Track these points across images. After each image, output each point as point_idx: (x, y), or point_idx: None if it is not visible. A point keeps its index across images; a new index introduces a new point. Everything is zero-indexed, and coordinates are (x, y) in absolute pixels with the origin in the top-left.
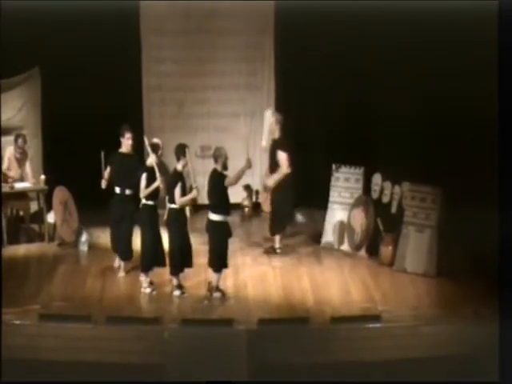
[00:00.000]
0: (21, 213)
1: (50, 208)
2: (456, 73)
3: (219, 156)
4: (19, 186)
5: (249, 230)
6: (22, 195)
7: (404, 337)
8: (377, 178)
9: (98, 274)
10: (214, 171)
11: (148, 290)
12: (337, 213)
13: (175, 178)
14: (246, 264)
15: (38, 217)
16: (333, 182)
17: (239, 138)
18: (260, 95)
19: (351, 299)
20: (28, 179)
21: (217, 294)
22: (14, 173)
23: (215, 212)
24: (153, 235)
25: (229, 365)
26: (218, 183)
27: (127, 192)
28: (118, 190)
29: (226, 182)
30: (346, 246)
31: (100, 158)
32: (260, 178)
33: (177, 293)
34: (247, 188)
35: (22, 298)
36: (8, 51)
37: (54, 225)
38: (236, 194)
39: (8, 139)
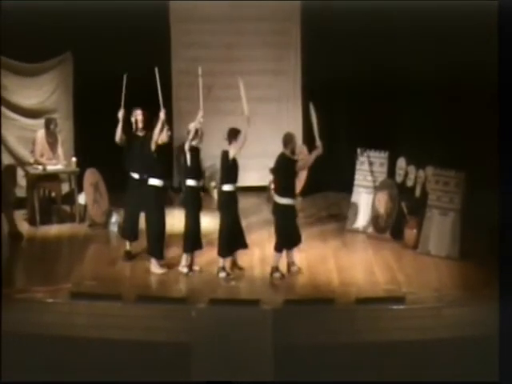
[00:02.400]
0: (53, 194)
1: (80, 189)
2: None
3: (289, 141)
4: (51, 167)
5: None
6: (54, 177)
7: (427, 318)
8: (401, 162)
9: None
10: (283, 155)
11: (185, 270)
12: (362, 196)
13: (229, 161)
14: (272, 246)
15: (70, 198)
16: (358, 166)
17: (266, 122)
18: (286, 80)
19: (375, 281)
20: (60, 161)
21: (276, 275)
22: (46, 155)
23: (282, 195)
24: (196, 216)
25: (254, 345)
26: (286, 167)
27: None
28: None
29: (297, 167)
30: (370, 229)
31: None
32: None
33: (222, 275)
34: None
35: (54, 277)
36: (41, 36)
37: (85, 206)
38: (262, 177)
39: (40, 122)
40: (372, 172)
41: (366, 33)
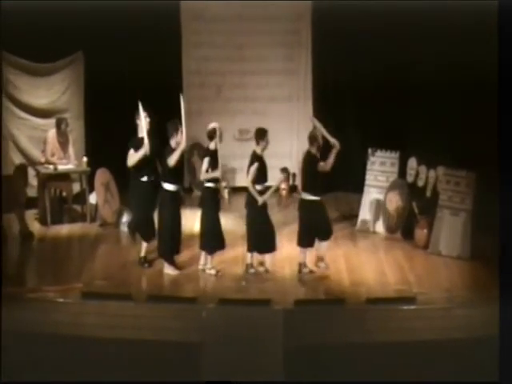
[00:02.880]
0: (64, 194)
1: (91, 189)
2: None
3: (314, 139)
4: (62, 167)
5: (286, 212)
6: (65, 176)
7: (437, 318)
8: (412, 162)
9: (138, 254)
10: (309, 153)
11: (213, 272)
12: (373, 196)
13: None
14: (283, 246)
15: (81, 198)
16: (369, 166)
17: (277, 122)
18: (297, 80)
19: (386, 281)
20: (71, 161)
21: (305, 270)
22: (57, 155)
23: (309, 192)
24: (216, 217)
25: (265, 345)
26: (312, 165)
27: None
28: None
29: (320, 167)
30: (381, 229)
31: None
32: (297, 161)
33: (251, 271)
34: (284, 171)
35: (65, 277)
36: (52, 35)
37: (96, 205)
38: (272, 177)
39: (51, 122)
40: (383, 172)
41: (376, 32)
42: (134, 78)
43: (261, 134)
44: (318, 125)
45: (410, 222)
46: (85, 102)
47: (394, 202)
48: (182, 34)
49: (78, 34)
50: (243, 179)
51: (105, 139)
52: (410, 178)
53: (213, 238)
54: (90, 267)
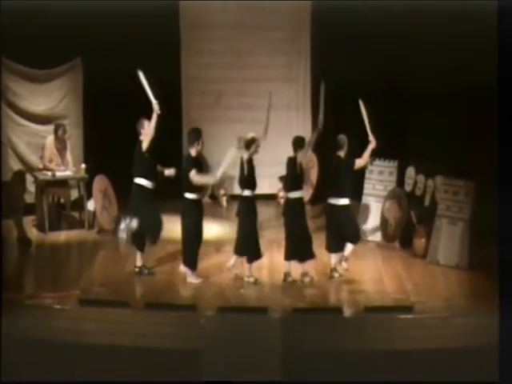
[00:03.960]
0: (62, 200)
1: (90, 196)
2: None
3: (343, 144)
4: (60, 174)
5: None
6: (63, 183)
7: (436, 328)
8: (410, 171)
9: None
10: (339, 158)
11: (252, 279)
12: (371, 205)
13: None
14: (281, 254)
15: (79, 204)
16: (367, 175)
17: (275, 130)
18: (296, 88)
19: (384, 290)
20: (69, 168)
21: (342, 267)
22: (55, 161)
23: (339, 196)
24: (254, 227)
25: (263, 352)
26: (344, 169)
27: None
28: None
29: (356, 164)
30: (379, 238)
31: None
32: None
33: (290, 279)
34: (283, 179)
35: (63, 284)
36: (51, 42)
37: (94, 212)
38: (271, 186)
39: (50, 128)
40: (381, 181)
41: (376, 40)
42: (132, 86)
43: (299, 142)
44: (364, 113)
45: (408, 231)
46: (83, 108)
47: (392, 210)
48: (182, 41)
49: (77, 40)
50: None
51: (103, 146)
52: (408, 187)
53: (250, 248)
54: (87, 274)
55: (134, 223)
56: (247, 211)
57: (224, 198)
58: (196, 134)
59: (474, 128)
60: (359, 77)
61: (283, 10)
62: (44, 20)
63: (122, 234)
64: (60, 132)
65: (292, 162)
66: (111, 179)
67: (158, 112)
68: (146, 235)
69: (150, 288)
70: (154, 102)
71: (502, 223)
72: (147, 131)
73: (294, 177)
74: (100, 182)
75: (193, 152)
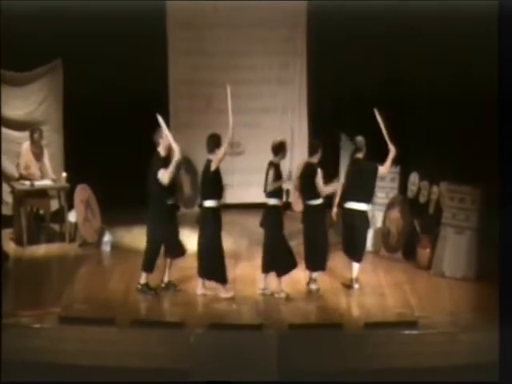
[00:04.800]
0: (41, 211)
1: (71, 207)
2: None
3: (362, 146)
4: (39, 183)
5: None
6: (43, 193)
7: (441, 344)
8: (414, 177)
9: (121, 276)
10: (359, 161)
11: (283, 295)
12: (371, 213)
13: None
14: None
15: (59, 216)
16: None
17: (270, 135)
18: (292, 90)
19: (386, 304)
20: (47, 175)
21: (356, 286)
22: (33, 169)
23: (359, 201)
24: (281, 236)
25: (258, 372)
26: (367, 173)
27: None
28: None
29: (380, 173)
30: (380, 248)
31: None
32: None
33: (313, 287)
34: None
35: (43, 301)
36: (29, 42)
37: (76, 224)
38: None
39: (27, 135)
40: (382, 188)
41: (375, 41)
42: (117, 89)
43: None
44: (381, 122)
45: (411, 240)
46: (64, 113)
47: (394, 219)
48: (169, 42)
49: (57, 41)
50: (235, 196)
51: (85, 153)
52: (411, 194)
53: (284, 258)
54: (69, 290)
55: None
56: (274, 222)
57: None
58: (215, 141)
59: (481, 131)
60: (359, 78)
61: (277, 8)
62: (22, 19)
63: (106, 247)
64: (36, 136)
65: (311, 168)
66: (94, 189)
67: (178, 158)
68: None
69: (136, 304)
70: (176, 149)
71: (505, 232)
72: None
73: (311, 184)
74: (82, 192)
75: (213, 158)
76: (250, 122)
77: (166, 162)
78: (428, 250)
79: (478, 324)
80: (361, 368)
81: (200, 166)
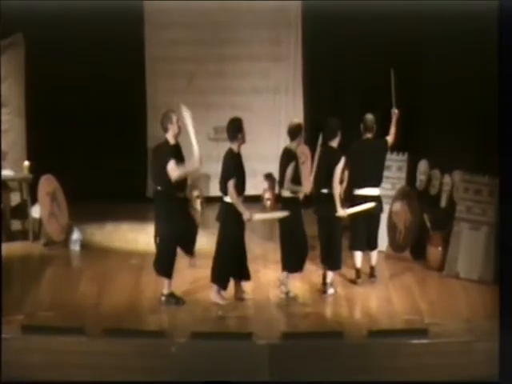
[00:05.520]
0: (0, 206)
1: (34, 200)
2: None
3: (372, 125)
4: None
5: (271, 226)
6: (2, 185)
7: (455, 354)
8: (423, 166)
9: (92, 278)
10: (368, 141)
11: (292, 294)
12: None
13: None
14: (268, 267)
15: (21, 211)
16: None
17: (260, 118)
18: (285, 67)
19: (392, 310)
20: (7, 165)
21: (360, 280)
22: None
23: (372, 185)
24: (302, 231)
25: None
26: (377, 153)
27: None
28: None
29: (389, 143)
30: (386, 247)
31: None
32: None
33: (331, 291)
34: (269, 177)
35: (3, 307)
36: None
37: (40, 220)
38: (255, 185)
39: None
40: (388, 178)
41: (376, 11)
42: (87, 67)
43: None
44: (393, 83)
45: (420, 238)
46: (26, 96)
47: (401, 214)
48: (145, 13)
49: (17, 14)
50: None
51: (51, 141)
52: (420, 185)
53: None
54: (32, 295)
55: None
56: (294, 216)
57: (198, 201)
58: (237, 126)
59: (498, 113)
60: (359, 54)
61: None
62: None
63: (75, 246)
64: None
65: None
66: (61, 180)
67: (196, 167)
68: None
69: (109, 311)
70: (196, 153)
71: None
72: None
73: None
74: (47, 184)
75: (235, 148)
76: (237, 103)
77: (176, 151)
78: (440, 249)
79: (496, 332)
80: (363, 382)
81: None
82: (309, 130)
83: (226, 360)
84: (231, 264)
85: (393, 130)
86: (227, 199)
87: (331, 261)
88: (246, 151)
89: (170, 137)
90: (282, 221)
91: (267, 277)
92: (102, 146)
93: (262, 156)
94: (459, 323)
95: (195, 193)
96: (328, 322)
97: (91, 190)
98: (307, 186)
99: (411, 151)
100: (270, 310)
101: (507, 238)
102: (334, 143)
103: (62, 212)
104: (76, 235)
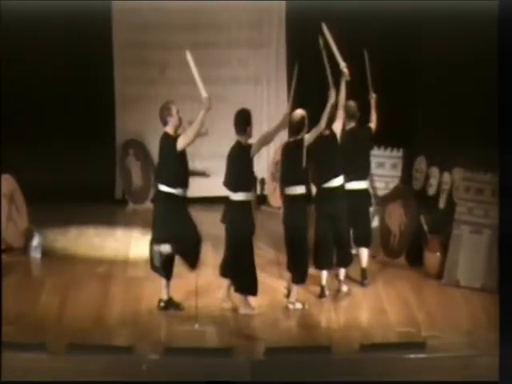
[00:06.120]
0: None
1: None
2: None
3: (355, 112)
4: None
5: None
6: None
7: (456, 370)
8: (420, 163)
9: (55, 289)
10: (352, 131)
11: (299, 305)
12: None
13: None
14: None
15: None
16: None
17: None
18: (267, 55)
19: (387, 321)
20: None
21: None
22: None
23: (358, 178)
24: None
25: None
26: (359, 142)
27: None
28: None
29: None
30: (379, 253)
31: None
32: (267, 163)
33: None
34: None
35: None
36: None
37: None
38: None
39: None
40: (381, 176)
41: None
42: (47, 55)
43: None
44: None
45: (417, 242)
46: None
47: (395, 216)
48: None
49: None
50: (195, 188)
51: (8, 137)
52: (417, 184)
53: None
54: None
55: (166, 247)
56: (300, 216)
57: None
58: (245, 118)
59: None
60: (352, 37)
61: None
62: None
63: (35, 253)
64: None
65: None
66: (20, 180)
67: (207, 108)
68: (182, 257)
69: (74, 324)
70: (205, 95)
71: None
72: (193, 128)
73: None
74: (4, 184)
75: (243, 142)
76: (214, 95)
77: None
78: (438, 254)
79: (499, 345)
80: None
81: (152, 148)
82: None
83: (203, 379)
84: (244, 266)
85: (374, 115)
86: (235, 197)
87: (295, 274)
88: (222, 148)
89: (171, 130)
90: (287, 226)
91: None
92: (66, 141)
93: None
94: (460, 336)
95: None
96: (315, 336)
97: (53, 190)
98: None
99: (407, 147)
100: (252, 322)
101: (507, 240)
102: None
103: (21, 215)
104: (37, 241)
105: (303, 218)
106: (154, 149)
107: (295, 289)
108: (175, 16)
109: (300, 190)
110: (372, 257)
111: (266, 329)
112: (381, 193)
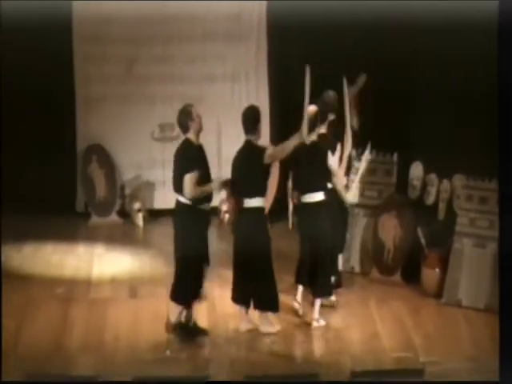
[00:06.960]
0: None
1: None
2: None
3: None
4: None
5: (230, 244)
6: None
7: None
8: (417, 169)
9: (9, 312)
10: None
11: (323, 323)
12: (359, 220)
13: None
14: (225, 295)
15: None
16: (351, 176)
17: (217, 112)
18: (246, 49)
19: (380, 346)
20: None
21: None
22: None
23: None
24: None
25: None
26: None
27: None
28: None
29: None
30: (372, 269)
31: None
32: None
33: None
34: (226, 185)
35: None
36: None
37: None
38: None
39: None
40: (373, 184)
41: None
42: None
43: None
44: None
45: (414, 257)
46: None
47: (389, 228)
48: None
49: None
50: (167, 198)
51: None
52: (413, 193)
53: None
54: None
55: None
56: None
57: (140, 215)
58: (255, 116)
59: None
60: (340, 29)
61: None
62: None
63: None
64: None
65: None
66: None
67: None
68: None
69: (31, 351)
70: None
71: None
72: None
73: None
74: None
75: (254, 141)
76: (187, 94)
77: (199, 156)
78: (437, 271)
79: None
80: None
81: (118, 155)
82: (276, 125)
83: None
84: (263, 281)
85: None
86: (249, 203)
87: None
88: None
89: (193, 136)
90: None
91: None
92: (20, 147)
93: (217, 157)
94: (461, 361)
95: (136, 205)
96: (301, 362)
97: (7, 202)
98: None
99: (402, 151)
100: (229, 347)
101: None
102: (322, 129)
103: None
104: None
105: (326, 227)
106: (120, 155)
107: (318, 303)
108: (144, 7)
109: (319, 196)
110: (364, 274)
111: None
112: (373, 202)
